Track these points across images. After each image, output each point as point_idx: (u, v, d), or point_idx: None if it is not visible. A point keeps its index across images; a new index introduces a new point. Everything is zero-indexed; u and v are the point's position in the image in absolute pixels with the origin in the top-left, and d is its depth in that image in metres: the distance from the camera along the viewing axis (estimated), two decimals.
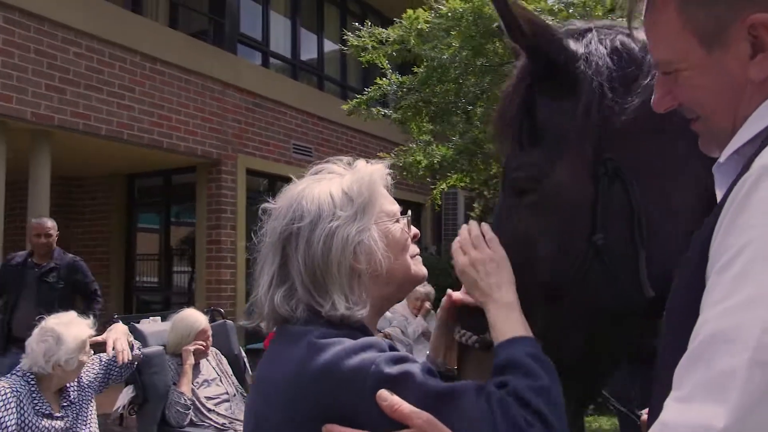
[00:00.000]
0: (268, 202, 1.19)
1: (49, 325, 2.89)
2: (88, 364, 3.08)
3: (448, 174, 7.42)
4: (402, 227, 1.19)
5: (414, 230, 1.25)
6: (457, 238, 1.20)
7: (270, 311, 1.11)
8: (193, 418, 3.68)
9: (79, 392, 3.01)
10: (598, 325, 1.16)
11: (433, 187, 8.39)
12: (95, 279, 5.77)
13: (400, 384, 0.97)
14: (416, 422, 0.93)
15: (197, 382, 3.81)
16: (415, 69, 6.54)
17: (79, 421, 2.94)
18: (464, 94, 6.03)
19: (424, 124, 6.77)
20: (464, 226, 1.21)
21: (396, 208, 1.21)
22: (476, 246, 1.17)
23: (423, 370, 1.01)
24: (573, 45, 1.17)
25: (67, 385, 2.96)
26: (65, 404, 2.92)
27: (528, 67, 1.21)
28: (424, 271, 1.22)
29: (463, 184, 7.55)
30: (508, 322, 1.09)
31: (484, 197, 12.29)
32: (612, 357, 1.24)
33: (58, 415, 2.86)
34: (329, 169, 1.22)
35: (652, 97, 0.93)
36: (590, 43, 1.17)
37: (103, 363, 3.18)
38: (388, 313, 5.82)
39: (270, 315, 1.12)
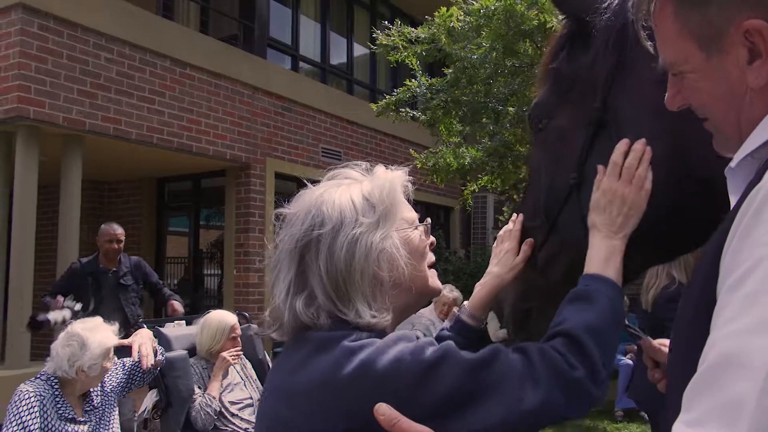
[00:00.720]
0: (283, 207, 1.16)
1: (74, 330, 2.87)
2: (112, 370, 3.05)
3: (479, 176, 7.32)
4: (421, 234, 1.18)
5: (432, 238, 1.22)
6: (622, 156, 1.19)
7: (291, 319, 1.08)
8: (216, 423, 3.64)
9: (103, 397, 2.98)
10: (574, 260, 1.26)
11: (463, 188, 8.29)
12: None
13: (442, 366, 0.98)
14: None
15: (222, 386, 3.76)
16: (445, 70, 6.45)
17: (102, 426, 2.91)
18: (494, 95, 5.92)
19: (454, 125, 6.68)
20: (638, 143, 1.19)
21: (414, 215, 1.20)
22: (629, 181, 1.17)
23: (455, 348, 1.02)
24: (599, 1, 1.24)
25: (91, 389, 2.93)
26: (88, 409, 2.89)
27: (565, 24, 1.34)
28: (439, 285, 1.23)
29: (493, 186, 7.44)
30: (605, 261, 1.16)
31: (514, 201, 12.13)
32: None
33: (81, 419, 2.83)
34: (346, 174, 1.19)
35: (666, 95, 0.94)
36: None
37: (126, 368, 3.14)
38: (413, 316, 5.72)
39: (290, 323, 1.09)
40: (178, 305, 5.50)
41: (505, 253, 1.40)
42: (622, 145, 1.19)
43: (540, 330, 1.22)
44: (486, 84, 5.89)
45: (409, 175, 1.23)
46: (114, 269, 5.51)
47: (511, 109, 5.93)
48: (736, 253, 0.69)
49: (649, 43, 1.14)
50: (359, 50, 11.21)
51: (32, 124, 6.39)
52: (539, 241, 1.36)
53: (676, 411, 0.68)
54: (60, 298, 4.84)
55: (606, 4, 1.22)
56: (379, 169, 1.20)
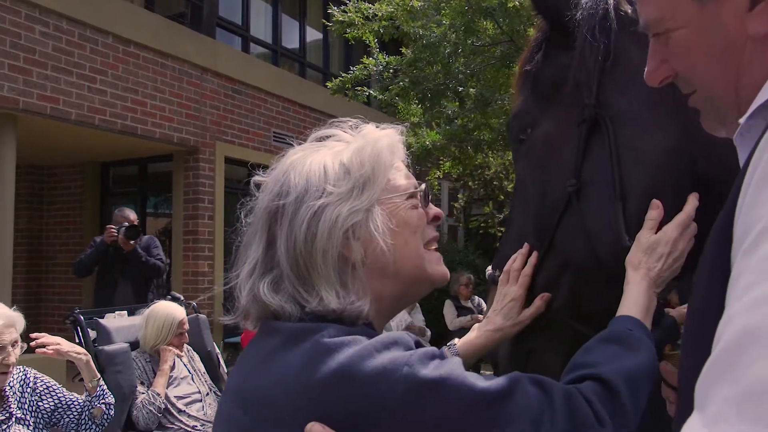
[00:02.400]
0: (259, 175, 0.99)
1: None
2: (40, 385, 2.68)
3: (441, 161, 7.17)
4: (413, 206, 0.95)
5: (434, 209, 0.97)
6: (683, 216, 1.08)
7: (252, 303, 0.90)
8: (162, 420, 3.35)
9: (23, 408, 2.60)
10: (578, 282, 1.14)
11: (422, 170, 8.13)
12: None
13: (443, 390, 0.78)
14: None
15: (168, 380, 3.47)
16: (403, 49, 6.24)
17: None
18: (454, 75, 5.73)
19: (413, 106, 6.47)
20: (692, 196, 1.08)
21: (408, 182, 0.97)
22: (689, 239, 1.06)
23: (461, 367, 0.82)
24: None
25: (7, 394, 2.58)
26: (3, 417, 2.53)
27: (543, 24, 1.21)
28: (444, 271, 0.99)
29: (455, 171, 7.29)
30: (647, 311, 1.02)
31: (469, 187, 12.07)
32: (602, 317, 1.09)
33: None
34: (335, 136, 0.99)
35: (645, 70, 0.81)
36: None
37: (56, 397, 2.71)
38: None
39: (253, 308, 0.91)
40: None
41: (510, 302, 1.20)
42: (695, 199, 1.06)
43: (539, 374, 1.04)
44: (446, 64, 5.69)
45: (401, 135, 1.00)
46: (127, 251, 5.60)
47: (471, 90, 5.75)
48: (750, 211, 0.57)
49: (630, 7, 1.05)
50: (312, 34, 10.91)
51: None
52: (534, 265, 1.20)
53: (689, 410, 0.54)
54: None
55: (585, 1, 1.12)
56: (367, 128, 0.99)
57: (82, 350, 2.78)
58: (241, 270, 0.92)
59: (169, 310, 3.53)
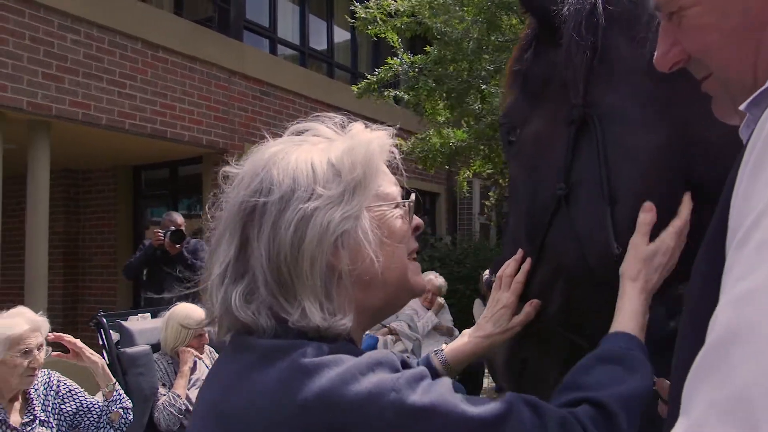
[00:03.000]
0: (232, 166, 0.91)
1: None
2: (63, 389, 2.70)
3: (470, 160, 7.09)
4: (401, 215, 0.89)
5: (417, 220, 0.90)
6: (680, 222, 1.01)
7: (224, 314, 0.83)
8: (184, 421, 3.35)
9: (46, 411, 2.62)
10: (570, 287, 1.09)
11: (452, 171, 8.04)
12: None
13: (433, 416, 0.73)
14: None
15: (189, 381, 3.47)
16: (428, 48, 6.18)
17: None
18: (478, 72, 5.64)
19: (439, 104, 6.40)
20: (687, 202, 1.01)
21: (396, 190, 0.91)
22: (680, 245, 1.00)
23: (452, 392, 0.77)
24: None
25: (31, 396, 2.61)
26: (27, 420, 2.56)
27: (532, 21, 1.16)
28: (422, 282, 0.96)
29: (484, 170, 7.19)
30: (642, 325, 0.96)
31: (500, 185, 11.90)
32: (595, 327, 1.04)
33: (15, 425, 2.52)
34: (315, 131, 0.92)
35: (655, 54, 0.75)
36: None
37: (75, 398, 2.73)
38: None
39: (225, 320, 0.84)
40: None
41: (501, 308, 1.15)
42: (690, 201, 0.99)
43: (535, 383, 1.01)
44: (470, 61, 5.60)
45: (395, 139, 0.93)
46: (174, 254, 5.71)
47: (496, 88, 5.65)
48: (744, 202, 0.53)
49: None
50: (340, 34, 10.90)
51: None
52: (526, 271, 1.16)
53: (677, 413, 0.50)
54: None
55: None
56: (357, 127, 0.92)
57: (97, 355, 2.79)
58: (212, 273, 0.85)
59: (187, 311, 3.53)
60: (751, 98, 0.62)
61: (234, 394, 0.78)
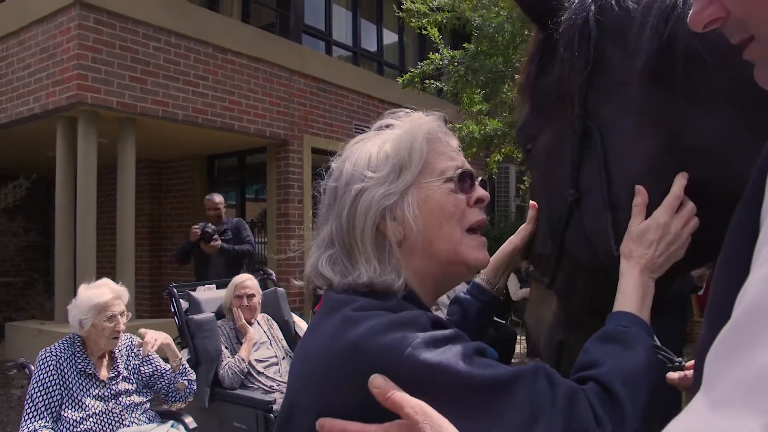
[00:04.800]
0: (333, 160, 0.97)
1: (79, 289, 2.69)
2: (152, 358, 2.80)
3: (502, 146, 6.94)
4: (451, 190, 0.89)
5: (478, 192, 0.90)
6: (683, 190, 0.93)
7: (313, 273, 0.90)
8: (244, 381, 3.44)
9: (129, 369, 2.73)
10: (591, 282, 1.05)
11: (487, 159, 7.92)
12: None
13: (439, 374, 0.73)
14: (406, 410, 0.69)
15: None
16: (466, 45, 6.05)
17: (126, 395, 2.67)
18: (512, 64, 5.48)
19: (475, 94, 6.26)
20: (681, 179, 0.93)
21: (451, 164, 0.91)
22: (685, 220, 0.92)
23: (470, 353, 0.76)
24: (566, 3, 1.01)
25: (116, 355, 2.73)
26: (113, 375, 2.69)
27: (538, 34, 1.09)
28: (477, 255, 0.91)
29: (517, 156, 7.02)
30: (641, 301, 0.90)
31: None
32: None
33: (103, 379, 2.65)
34: (392, 125, 0.96)
35: (690, 12, 0.58)
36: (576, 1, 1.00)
37: (154, 365, 2.82)
38: None
39: (314, 277, 0.90)
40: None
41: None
42: (682, 178, 0.90)
43: (572, 363, 0.95)
44: (504, 53, 5.44)
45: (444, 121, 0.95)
46: (217, 229, 5.65)
47: None
48: None
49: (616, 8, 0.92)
50: (389, 36, 10.80)
51: (90, 109, 6.33)
52: (551, 268, 1.12)
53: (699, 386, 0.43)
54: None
55: (567, 3, 1.00)
56: (414, 115, 0.96)
57: (165, 336, 2.84)
58: (314, 242, 0.92)
59: (242, 278, 3.63)
60: None
61: (311, 337, 0.86)
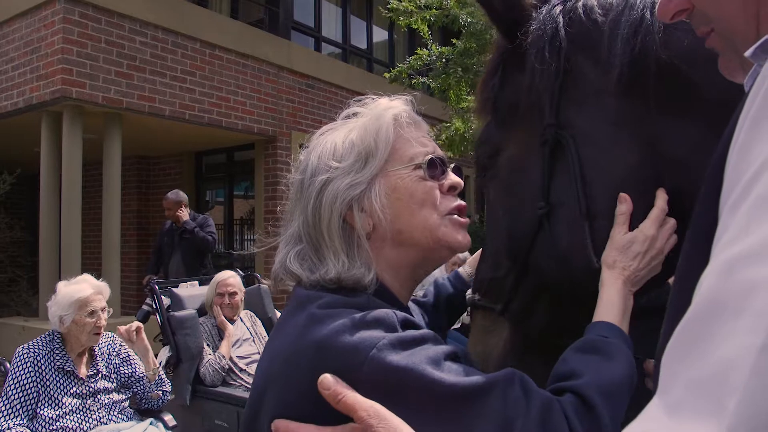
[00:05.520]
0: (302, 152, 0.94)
1: (59, 285, 2.64)
2: (123, 352, 2.75)
3: None
4: (420, 177, 0.85)
5: (451, 179, 0.86)
6: (666, 204, 0.91)
7: (280, 269, 0.87)
8: (226, 378, 3.40)
9: (108, 366, 2.69)
10: (555, 303, 1.00)
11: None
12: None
13: (405, 378, 0.69)
14: (359, 413, 0.66)
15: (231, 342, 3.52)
16: (455, 41, 6.03)
17: (107, 390, 2.64)
18: None
19: (463, 92, 6.24)
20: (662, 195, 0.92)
21: (420, 150, 0.87)
22: (668, 235, 0.91)
23: (440, 358, 0.72)
24: (534, 14, 0.99)
25: (96, 352, 2.68)
26: (92, 372, 2.64)
27: (499, 42, 1.06)
28: (457, 237, 0.87)
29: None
30: (622, 313, 0.87)
31: None
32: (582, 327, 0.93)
33: (81, 376, 2.60)
34: (358, 114, 0.92)
35: (658, 2, 0.62)
36: (546, 9, 0.98)
37: (133, 367, 2.77)
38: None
39: (282, 273, 0.87)
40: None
41: None
42: (664, 192, 0.89)
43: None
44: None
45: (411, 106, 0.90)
46: (179, 228, 5.61)
47: None
48: (741, 156, 0.42)
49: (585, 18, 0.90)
50: (378, 33, 10.76)
51: (75, 104, 6.25)
52: (507, 291, 1.04)
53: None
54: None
55: (540, 16, 0.98)
56: (378, 101, 0.92)
57: (147, 343, 2.81)
58: (281, 239, 0.90)
59: (224, 275, 3.60)
60: (759, 43, 0.51)
61: (278, 335, 0.83)
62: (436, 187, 0.86)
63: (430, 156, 0.87)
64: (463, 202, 0.89)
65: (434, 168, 0.86)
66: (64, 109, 6.33)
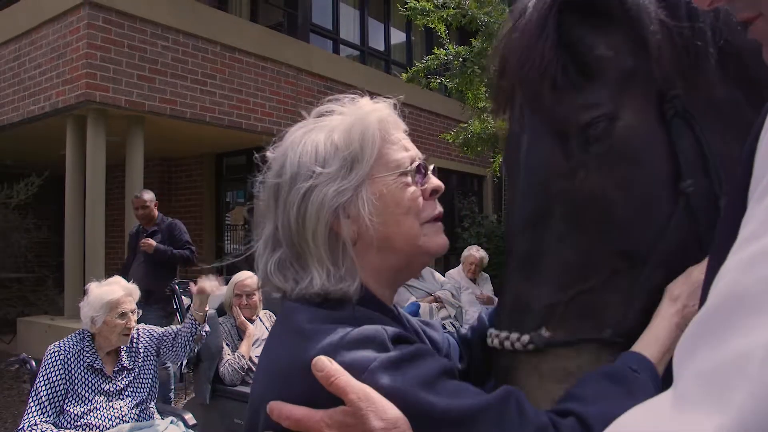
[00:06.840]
0: (270, 150, 0.87)
1: (90, 287, 2.69)
2: (143, 336, 2.81)
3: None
4: (406, 182, 0.82)
5: (433, 183, 0.83)
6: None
7: (264, 279, 0.82)
8: (245, 377, 3.43)
9: (134, 360, 2.73)
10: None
11: (492, 159, 7.87)
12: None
13: (396, 402, 0.67)
14: (350, 396, 0.66)
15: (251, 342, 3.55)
16: (473, 40, 6.00)
17: (132, 387, 2.68)
18: None
19: (480, 92, 6.20)
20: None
21: (405, 155, 0.84)
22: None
23: (433, 377, 0.70)
24: None
25: (121, 349, 2.73)
26: (117, 368, 2.69)
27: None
28: (438, 242, 0.85)
29: None
30: (666, 352, 0.78)
31: None
32: None
33: (109, 375, 2.64)
34: (333, 111, 0.87)
35: None
36: None
37: (154, 336, 2.86)
38: (441, 277, 5.39)
39: (265, 283, 0.83)
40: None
41: None
42: None
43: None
44: None
45: (397, 114, 0.86)
46: (148, 230, 5.08)
47: None
48: None
49: None
50: (396, 35, 10.76)
51: (99, 107, 6.36)
52: (614, 303, 0.82)
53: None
54: None
55: None
56: (362, 102, 0.86)
57: (213, 285, 3.04)
58: (259, 243, 0.84)
59: (237, 275, 3.63)
60: None
61: (270, 348, 0.81)
62: (419, 192, 0.83)
63: (416, 162, 0.84)
64: (441, 209, 0.86)
65: (419, 173, 0.84)
66: (88, 113, 6.45)
